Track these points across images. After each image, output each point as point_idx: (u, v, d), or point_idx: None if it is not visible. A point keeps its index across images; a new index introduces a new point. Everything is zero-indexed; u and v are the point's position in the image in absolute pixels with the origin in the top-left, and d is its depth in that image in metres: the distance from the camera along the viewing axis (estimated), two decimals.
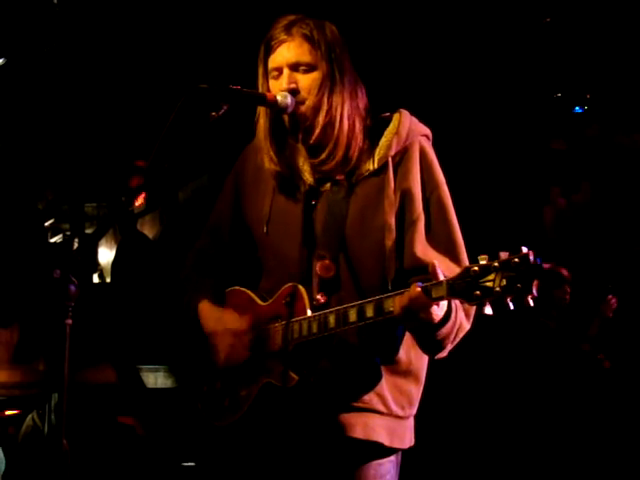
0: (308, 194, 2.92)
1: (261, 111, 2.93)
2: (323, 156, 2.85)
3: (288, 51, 2.83)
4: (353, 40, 2.95)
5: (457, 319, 2.67)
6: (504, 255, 2.38)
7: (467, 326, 2.77)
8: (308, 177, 2.91)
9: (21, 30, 5.54)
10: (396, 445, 2.86)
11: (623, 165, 6.44)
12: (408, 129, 2.86)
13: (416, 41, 6.06)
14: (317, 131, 2.83)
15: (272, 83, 2.85)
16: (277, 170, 2.93)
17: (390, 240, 2.80)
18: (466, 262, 2.75)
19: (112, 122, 6.37)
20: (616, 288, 6.07)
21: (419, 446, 2.97)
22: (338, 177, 2.87)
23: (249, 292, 3.00)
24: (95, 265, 5.98)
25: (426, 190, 2.85)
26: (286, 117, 2.83)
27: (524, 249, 2.35)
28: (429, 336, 2.65)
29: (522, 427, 5.85)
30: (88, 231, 6.10)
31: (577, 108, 6.59)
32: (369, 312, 2.63)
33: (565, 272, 6.01)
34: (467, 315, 2.76)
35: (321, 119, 2.82)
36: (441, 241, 2.81)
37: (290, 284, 2.82)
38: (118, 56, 6.08)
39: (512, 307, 2.36)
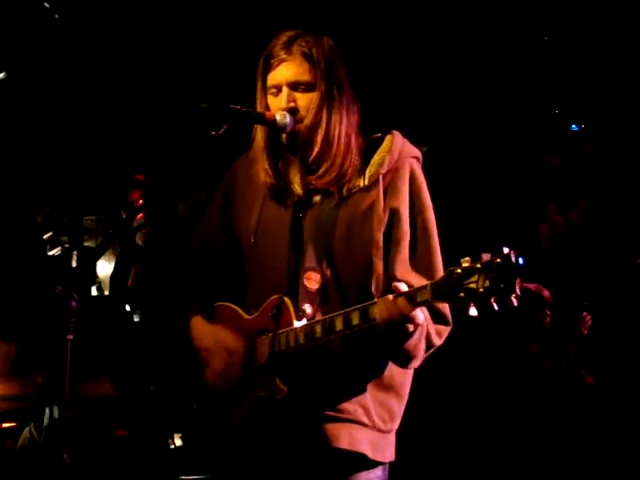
0: (297, 205, 2.97)
1: (258, 127, 3.00)
2: (320, 172, 2.91)
3: (288, 70, 2.89)
4: (350, 52, 3.02)
5: (424, 331, 2.76)
6: (486, 256, 2.44)
7: (437, 342, 2.86)
8: (297, 189, 2.97)
9: (21, 44, 5.58)
10: (379, 458, 2.90)
11: (619, 183, 6.47)
12: (400, 149, 2.96)
13: (415, 56, 6.11)
14: (316, 149, 2.89)
15: (270, 99, 2.92)
16: (272, 183, 2.98)
17: (378, 257, 2.87)
18: None
19: (111, 136, 6.40)
20: (592, 306, 6.11)
21: (408, 461, 3.04)
22: (330, 189, 2.93)
23: (235, 307, 3.04)
24: (94, 278, 6.01)
25: (413, 212, 2.93)
26: (284, 135, 2.90)
27: (505, 249, 2.41)
28: (399, 345, 2.72)
29: (506, 446, 5.89)
30: (87, 244, 6.13)
31: (573, 126, 6.61)
32: (355, 320, 2.68)
33: (547, 294, 6.06)
34: (438, 333, 2.85)
35: (319, 138, 2.89)
36: (422, 265, 2.88)
37: (276, 296, 2.87)
38: (119, 71, 6.14)
39: (497, 308, 2.41)
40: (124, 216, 6.10)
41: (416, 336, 2.71)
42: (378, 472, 2.92)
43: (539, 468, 5.75)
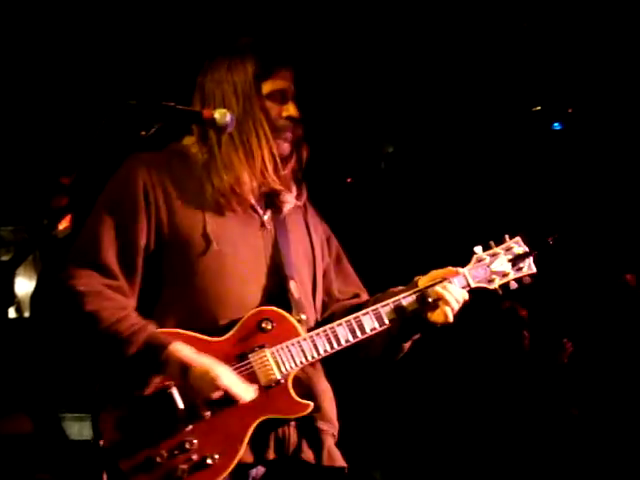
0: (257, 213, 3.08)
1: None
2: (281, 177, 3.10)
3: (291, 80, 3.13)
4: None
5: None
6: (493, 244, 3.07)
7: None
8: (252, 198, 3.08)
9: None
10: None
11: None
12: None
13: (397, 50, 6.12)
14: (304, 158, 3.18)
15: (271, 105, 3.09)
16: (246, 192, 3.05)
17: (320, 270, 3.20)
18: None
19: (33, 136, 6.26)
20: (573, 333, 6.34)
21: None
22: (275, 201, 3.11)
23: (185, 332, 2.90)
24: (12, 297, 5.84)
25: (326, 232, 3.33)
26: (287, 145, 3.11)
27: (507, 237, 3.09)
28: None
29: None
30: (4, 258, 5.96)
31: (556, 124, 6.56)
32: (388, 315, 2.98)
33: (524, 314, 6.25)
34: None
35: (305, 150, 3.18)
36: (349, 273, 3.31)
37: (262, 308, 2.92)
38: (42, 65, 6.02)
39: (516, 286, 3.06)
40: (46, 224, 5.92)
41: None
42: None
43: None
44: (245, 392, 2.83)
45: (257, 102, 3.04)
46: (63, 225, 6.16)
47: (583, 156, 6.59)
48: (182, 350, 2.83)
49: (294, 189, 3.17)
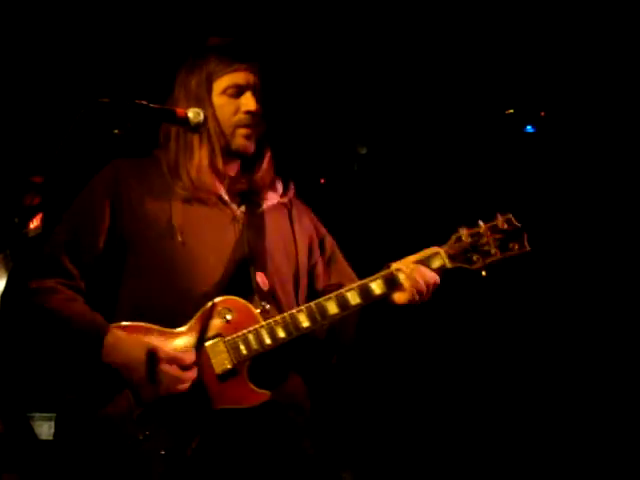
0: (229, 208, 3.15)
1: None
2: (259, 174, 3.22)
3: (254, 73, 3.18)
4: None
5: None
6: (481, 222, 3.00)
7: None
8: (224, 192, 3.18)
9: None
10: None
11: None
12: None
13: (370, 51, 6.11)
14: (268, 154, 3.24)
15: (226, 100, 3.14)
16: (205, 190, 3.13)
17: (304, 267, 3.22)
18: None
19: (5, 134, 6.21)
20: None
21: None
22: (253, 198, 3.20)
23: (147, 325, 2.95)
24: None
25: (320, 231, 3.40)
26: (249, 141, 3.17)
27: (499, 215, 3.01)
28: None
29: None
30: None
31: (529, 127, 6.54)
32: (354, 300, 2.94)
33: None
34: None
35: (266, 144, 3.26)
36: (346, 273, 3.33)
37: (224, 298, 2.94)
38: (13, 62, 5.99)
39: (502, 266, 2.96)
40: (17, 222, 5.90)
41: None
42: None
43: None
44: (187, 355, 2.86)
45: (207, 102, 3.12)
46: (34, 224, 6.15)
47: (556, 160, 6.57)
48: (117, 341, 2.91)
49: (279, 187, 3.28)
